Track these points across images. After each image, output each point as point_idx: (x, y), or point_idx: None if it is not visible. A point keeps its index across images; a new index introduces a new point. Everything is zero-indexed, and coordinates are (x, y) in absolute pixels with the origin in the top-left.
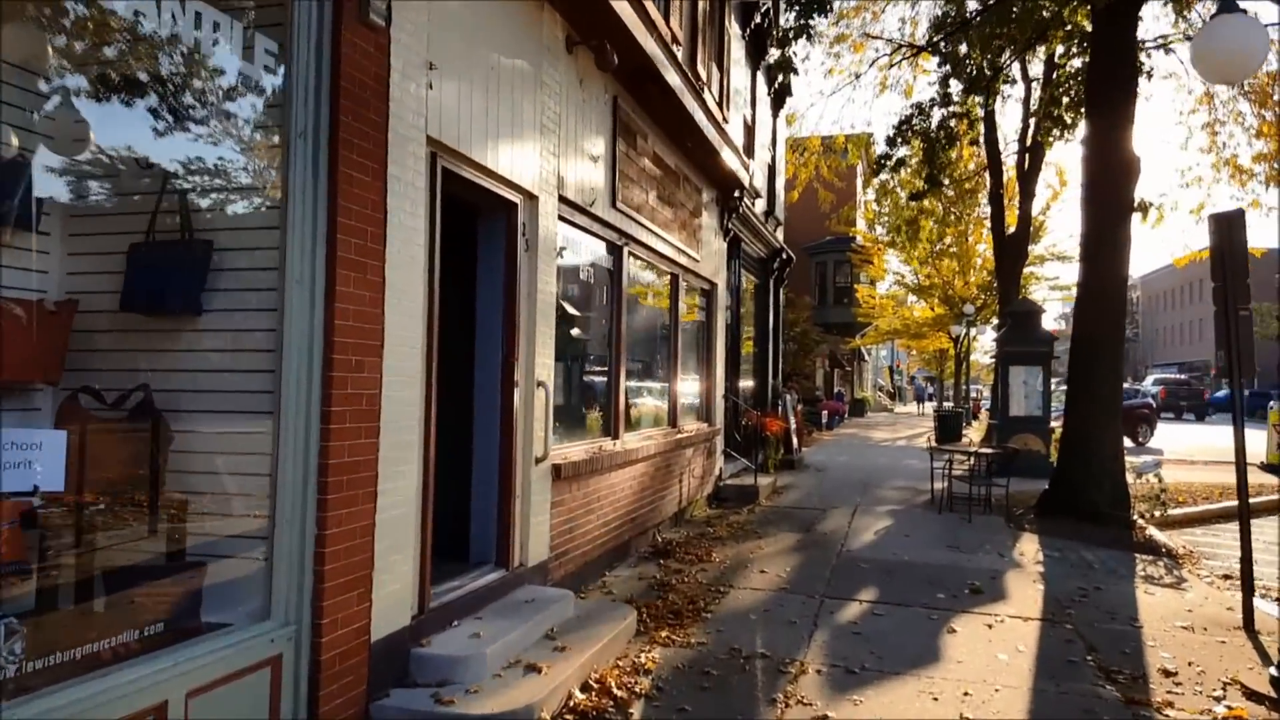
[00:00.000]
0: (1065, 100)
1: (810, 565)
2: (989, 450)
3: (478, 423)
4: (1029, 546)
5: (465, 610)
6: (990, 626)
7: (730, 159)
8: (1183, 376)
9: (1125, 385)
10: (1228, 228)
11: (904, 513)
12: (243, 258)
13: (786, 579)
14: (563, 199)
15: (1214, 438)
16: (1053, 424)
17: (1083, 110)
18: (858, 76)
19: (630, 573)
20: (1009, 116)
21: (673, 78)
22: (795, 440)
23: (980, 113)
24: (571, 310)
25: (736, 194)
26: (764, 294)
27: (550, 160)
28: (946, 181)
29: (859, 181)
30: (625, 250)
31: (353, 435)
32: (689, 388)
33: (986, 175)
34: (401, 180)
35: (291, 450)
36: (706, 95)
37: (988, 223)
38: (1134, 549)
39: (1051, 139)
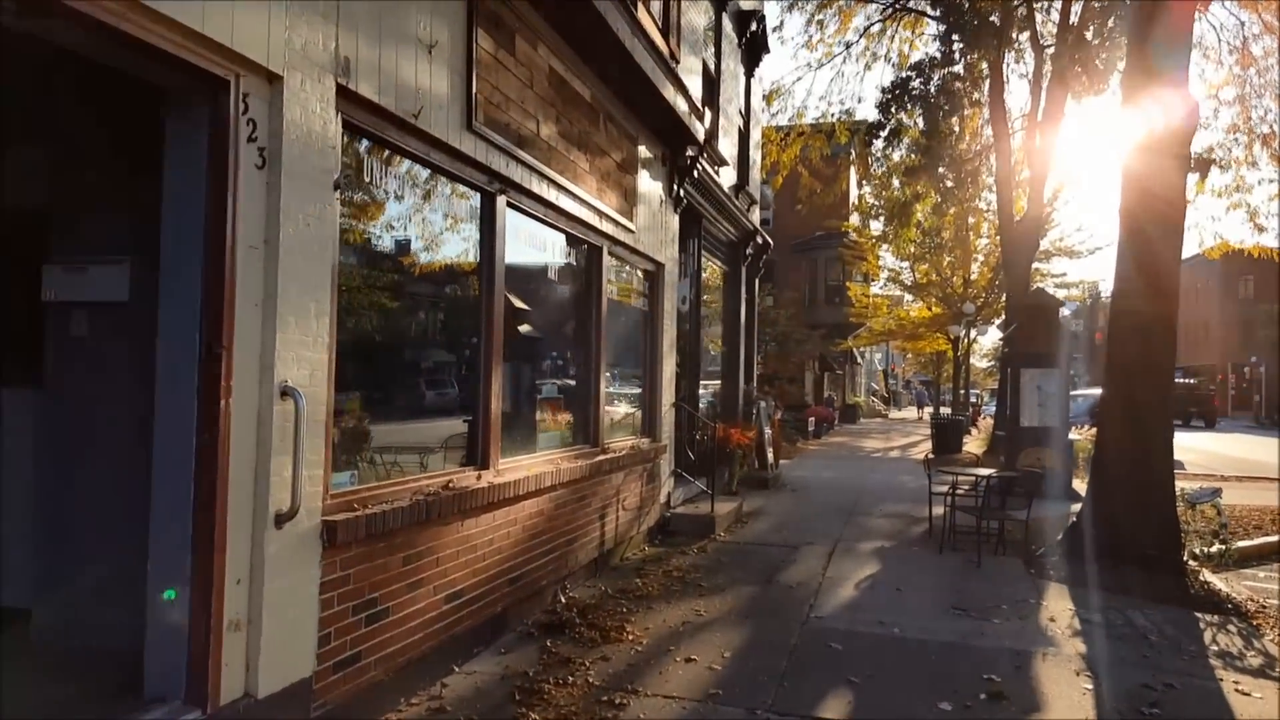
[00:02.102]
0: (1095, 39)
1: (761, 647)
2: (1004, 474)
3: (158, 458)
4: (1060, 606)
5: None
6: None
7: (676, 101)
8: (1190, 380)
9: None
10: None
11: (895, 552)
12: None
13: (721, 675)
14: (349, 94)
15: (1229, 447)
16: (1072, 435)
17: (1123, 44)
18: (849, 46)
19: (492, 667)
20: (1015, 96)
21: None
22: (771, 454)
23: (985, 68)
24: (396, 276)
25: (690, 153)
26: (734, 284)
27: (318, 25)
28: (945, 162)
29: (852, 177)
30: (501, 200)
31: None
32: (622, 394)
33: (992, 157)
34: None
35: None
36: (641, 12)
37: (988, 214)
38: (1193, 605)
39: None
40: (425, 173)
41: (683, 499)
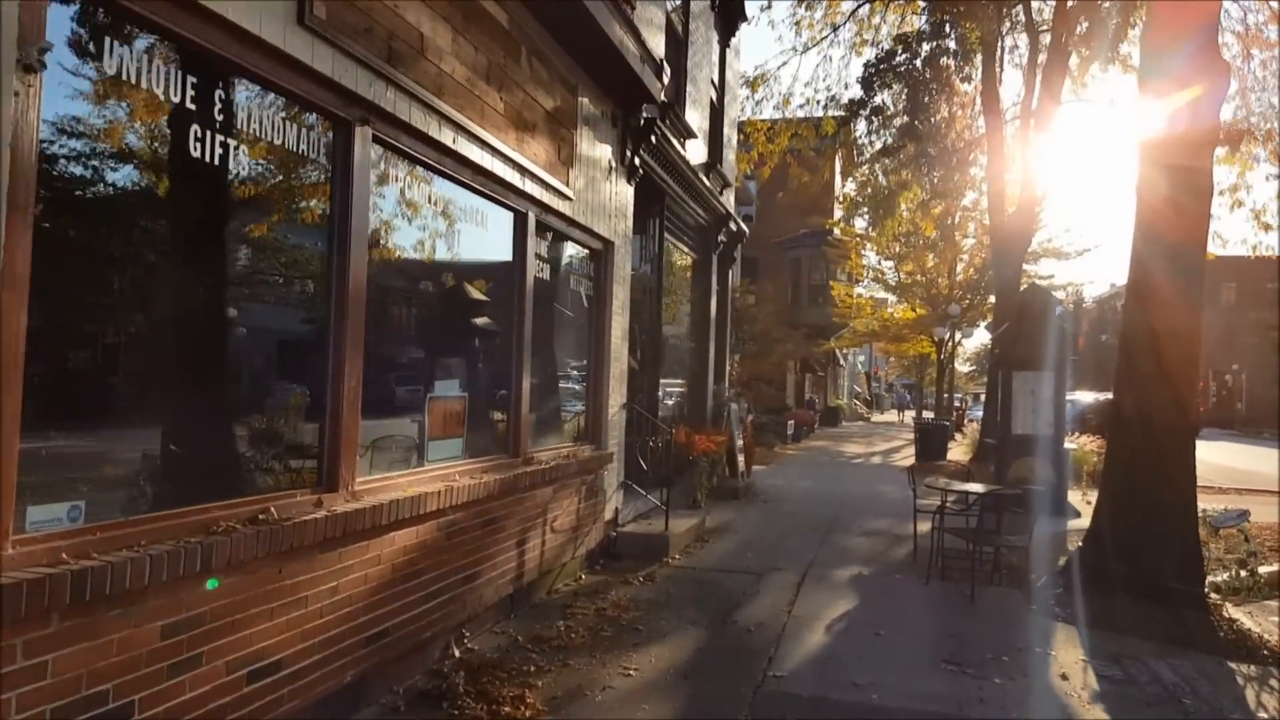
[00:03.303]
0: None
1: None
2: (1000, 491)
3: None
4: (1071, 656)
5: None
6: None
7: (625, 43)
8: None
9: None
10: None
11: (876, 581)
12: None
13: None
14: None
15: (1219, 456)
16: (1068, 444)
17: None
18: (835, 29)
19: None
20: (1008, 87)
21: None
22: (742, 461)
23: (978, 41)
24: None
25: (646, 115)
26: (704, 273)
27: None
28: (932, 148)
29: (838, 170)
30: (362, 132)
31: None
32: (554, 393)
33: (981, 154)
34: None
35: None
36: None
37: (974, 213)
38: (1224, 651)
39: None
40: (243, 83)
41: (634, 515)
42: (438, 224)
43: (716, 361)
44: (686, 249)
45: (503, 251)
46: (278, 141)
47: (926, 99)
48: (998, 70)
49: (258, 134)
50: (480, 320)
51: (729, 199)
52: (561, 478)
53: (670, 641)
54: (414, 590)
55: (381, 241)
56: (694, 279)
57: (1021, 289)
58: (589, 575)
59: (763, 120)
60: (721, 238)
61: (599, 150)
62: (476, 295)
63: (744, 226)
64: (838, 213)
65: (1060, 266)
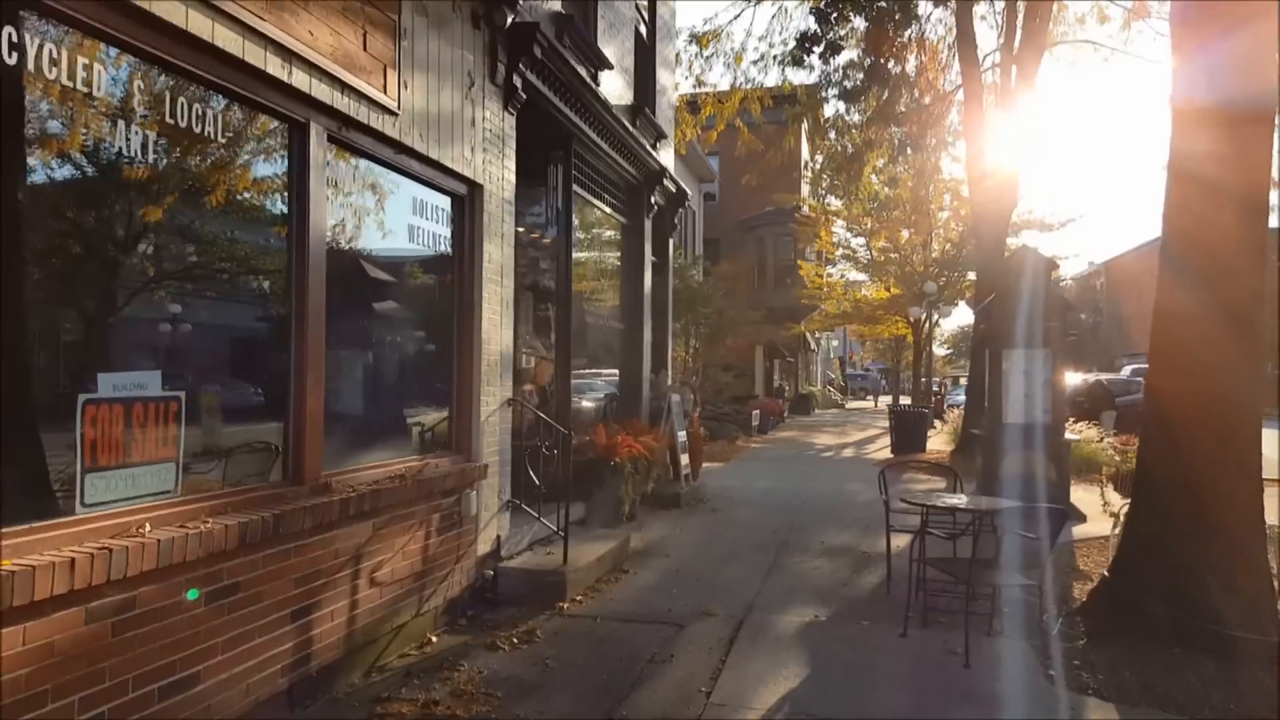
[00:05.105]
0: None
1: None
2: (1000, 507)
3: None
4: None
5: None
6: None
7: None
8: None
9: (1102, 376)
10: None
11: (836, 633)
12: None
13: None
14: None
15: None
16: (1068, 434)
17: None
18: None
19: None
20: (984, 36)
21: None
22: (686, 462)
23: None
24: None
25: (523, 15)
26: (635, 241)
27: None
28: (899, 95)
29: (805, 149)
30: None
31: None
32: (388, 389)
33: (953, 107)
34: None
35: None
36: None
37: (949, 183)
38: None
39: None
40: None
41: (529, 543)
42: (120, 127)
43: (655, 346)
44: (610, 210)
45: (261, 180)
46: None
47: (890, 28)
48: (972, 5)
49: None
50: (227, 282)
51: (666, 156)
52: (391, 506)
53: None
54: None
55: None
56: (625, 248)
57: (1008, 254)
58: (445, 635)
59: (714, 94)
60: (656, 198)
61: (450, 54)
62: (225, 246)
63: (684, 189)
64: (806, 191)
65: (1044, 240)
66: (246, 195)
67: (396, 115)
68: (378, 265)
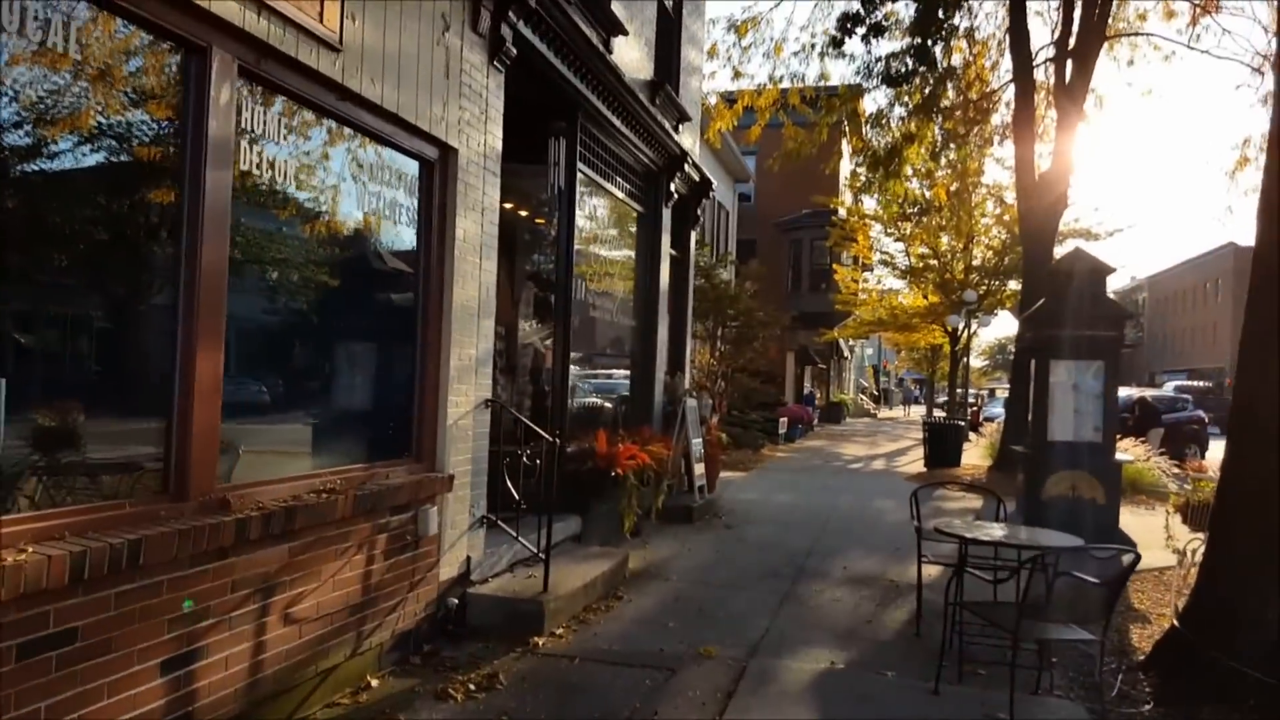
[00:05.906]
0: None
1: None
2: (1057, 547)
3: None
4: None
5: None
6: None
7: None
8: (1207, 383)
9: (1147, 392)
10: None
11: (855, 685)
12: None
13: None
14: None
15: None
16: (1119, 455)
17: None
18: None
19: None
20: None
21: None
22: (701, 472)
23: None
24: None
25: None
26: (651, 231)
27: None
28: (945, 82)
29: (845, 154)
30: None
31: None
32: (331, 386)
33: (1005, 102)
34: None
35: None
36: None
37: (991, 190)
38: None
39: None
40: None
41: (507, 564)
42: None
43: (672, 346)
44: (623, 195)
45: (152, 122)
46: None
47: (941, 13)
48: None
49: None
50: (97, 242)
51: (690, 141)
52: (315, 525)
53: None
54: None
55: None
56: (639, 237)
57: (1067, 254)
58: (390, 678)
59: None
60: (676, 186)
61: None
62: (91, 204)
63: (708, 177)
64: (846, 197)
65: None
66: (124, 136)
67: (338, 51)
68: (321, 238)
